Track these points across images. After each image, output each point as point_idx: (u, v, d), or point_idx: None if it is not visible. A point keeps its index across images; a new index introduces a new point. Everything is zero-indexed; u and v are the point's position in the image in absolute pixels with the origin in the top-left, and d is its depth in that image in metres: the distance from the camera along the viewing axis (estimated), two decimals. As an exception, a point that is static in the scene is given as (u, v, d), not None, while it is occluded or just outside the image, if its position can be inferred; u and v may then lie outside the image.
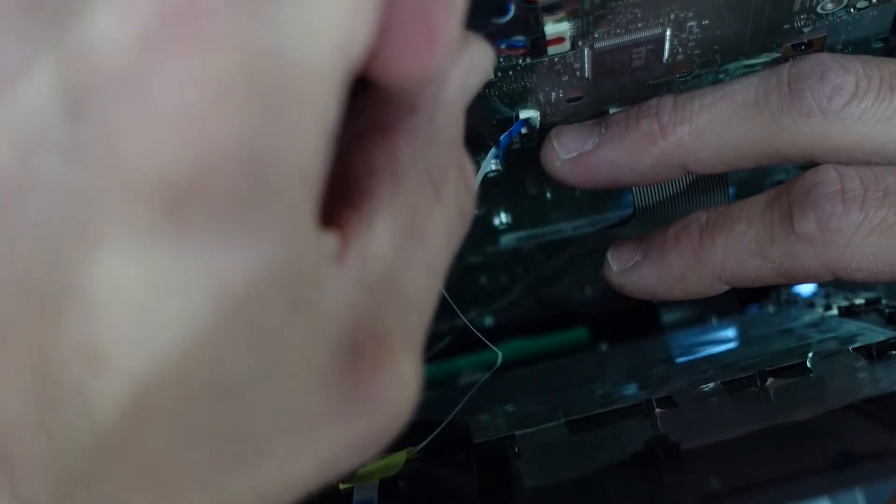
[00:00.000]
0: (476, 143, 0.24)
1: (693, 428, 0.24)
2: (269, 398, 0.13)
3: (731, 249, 0.23)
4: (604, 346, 0.40)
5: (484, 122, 0.24)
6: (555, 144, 0.24)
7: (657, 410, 0.25)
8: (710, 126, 0.23)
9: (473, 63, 0.17)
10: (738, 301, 0.40)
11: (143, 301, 0.12)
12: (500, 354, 0.27)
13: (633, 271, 0.25)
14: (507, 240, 0.33)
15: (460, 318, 0.28)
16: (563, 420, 0.26)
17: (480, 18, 0.20)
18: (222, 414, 0.13)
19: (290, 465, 0.14)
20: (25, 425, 0.12)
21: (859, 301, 0.33)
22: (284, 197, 0.12)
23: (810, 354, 0.26)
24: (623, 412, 0.25)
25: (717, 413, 0.24)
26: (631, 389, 0.30)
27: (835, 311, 0.33)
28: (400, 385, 0.15)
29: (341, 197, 0.15)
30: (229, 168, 0.12)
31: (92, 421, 0.12)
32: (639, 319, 0.40)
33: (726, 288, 0.24)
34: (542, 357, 0.41)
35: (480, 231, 0.32)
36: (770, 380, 0.25)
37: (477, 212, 0.31)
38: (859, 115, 0.21)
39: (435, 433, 0.26)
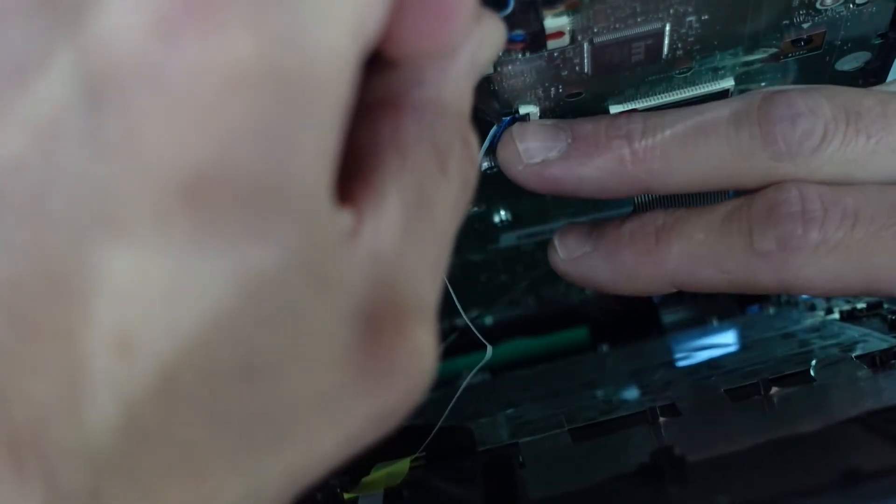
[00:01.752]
0: (479, 121, 0.24)
1: (697, 438, 0.23)
2: (295, 377, 0.13)
3: (687, 257, 0.23)
4: (604, 347, 0.40)
5: (486, 101, 0.24)
6: (518, 147, 0.23)
7: (661, 419, 0.25)
8: (680, 156, 0.23)
9: (484, 38, 0.17)
10: (738, 302, 0.40)
11: (168, 288, 0.12)
12: (490, 349, 0.27)
13: (582, 262, 0.25)
14: (507, 238, 0.33)
15: (461, 317, 0.28)
16: (566, 428, 0.26)
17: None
18: (251, 395, 0.13)
19: (317, 442, 0.14)
20: (58, 415, 0.12)
21: (861, 305, 0.32)
22: (303, 181, 0.13)
23: (813, 362, 0.26)
24: (626, 420, 0.25)
25: (721, 422, 0.24)
26: (633, 394, 0.30)
27: (836, 315, 0.33)
28: (418, 355, 0.15)
29: (349, 169, 0.15)
30: (249, 155, 0.12)
31: (122, 407, 0.12)
32: (639, 320, 0.40)
33: (674, 290, 0.24)
34: (543, 357, 0.41)
35: (481, 228, 0.32)
36: (774, 388, 0.25)
37: (477, 209, 0.31)
38: (827, 159, 0.22)
39: (432, 433, 0.26)
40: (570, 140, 0.23)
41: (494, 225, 0.32)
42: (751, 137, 0.22)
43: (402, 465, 0.26)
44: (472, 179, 0.18)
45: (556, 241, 0.25)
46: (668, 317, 0.40)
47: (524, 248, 0.35)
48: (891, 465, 0.18)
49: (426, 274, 0.16)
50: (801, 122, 0.22)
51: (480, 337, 0.27)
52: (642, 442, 0.24)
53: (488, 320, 0.40)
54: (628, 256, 0.24)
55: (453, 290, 0.34)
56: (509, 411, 0.34)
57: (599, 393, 0.31)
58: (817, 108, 0.22)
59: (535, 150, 0.23)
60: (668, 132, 0.23)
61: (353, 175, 0.15)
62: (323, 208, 0.13)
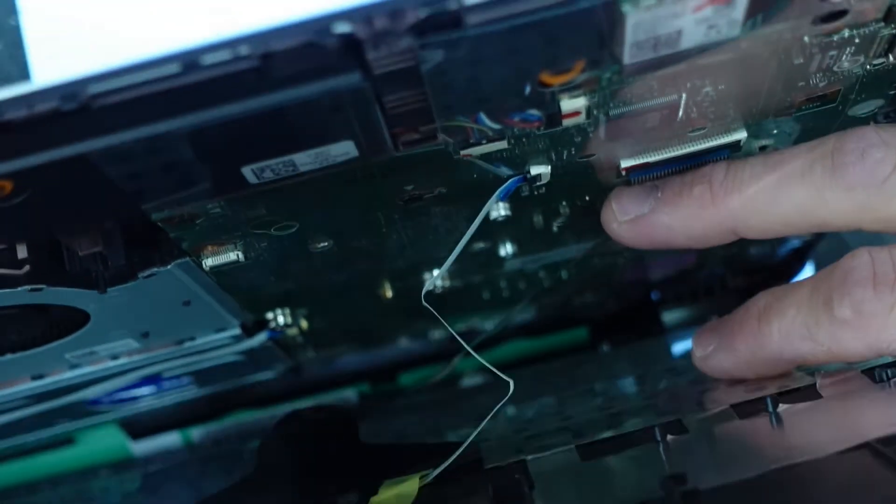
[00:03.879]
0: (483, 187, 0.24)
1: (706, 461, 0.24)
2: None
3: (785, 334, 0.24)
4: (605, 347, 0.40)
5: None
6: (614, 207, 0.25)
7: (668, 437, 0.25)
8: (759, 195, 0.23)
9: None
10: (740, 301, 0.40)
11: None
12: (512, 384, 0.27)
13: (711, 358, 0.27)
14: (511, 263, 0.33)
15: (463, 331, 0.28)
16: (573, 444, 0.26)
17: (496, 98, 0.20)
18: None
19: None
20: None
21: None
22: None
23: (818, 380, 0.26)
24: (634, 437, 0.25)
25: (729, 442, 0.25)
26: (639, 405, 0.30)
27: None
28: None
29: None
30: None
31: None
32: (639, 319, 0.40)
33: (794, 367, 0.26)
34: (542, 357, 0.41)
35: (485, 259, 0.32)
36: (781, 406, 0.25)
37: (482, 245, 0.31)
38: None
39: (445, 464, 0.26)
40: (660, 195, 0.25)
41: (500, 257, 0.32)
42: (823, 170, 0.23)
43: (412, 484, 0.26)
44: None
45: (693, 342, 0.29)
46: (669, 316, 0.40)
47: (527, 270, 0.34)
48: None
49: None
50: (873, 152, 0.22)
51: (501, 374, 0.27)
52: (651, 463, 0.24)
53: (489, 325, 0.39)
54: (740, 343, 0.26)
55: (455, 304, 0.34)
56: (511, 412, 0.34)
57: (604, 402, 0.31)
58: (891, 139, 0.22)
59: (628, 208, 0.25)
60: (747, 173, 0.24)
61: None
62: None
